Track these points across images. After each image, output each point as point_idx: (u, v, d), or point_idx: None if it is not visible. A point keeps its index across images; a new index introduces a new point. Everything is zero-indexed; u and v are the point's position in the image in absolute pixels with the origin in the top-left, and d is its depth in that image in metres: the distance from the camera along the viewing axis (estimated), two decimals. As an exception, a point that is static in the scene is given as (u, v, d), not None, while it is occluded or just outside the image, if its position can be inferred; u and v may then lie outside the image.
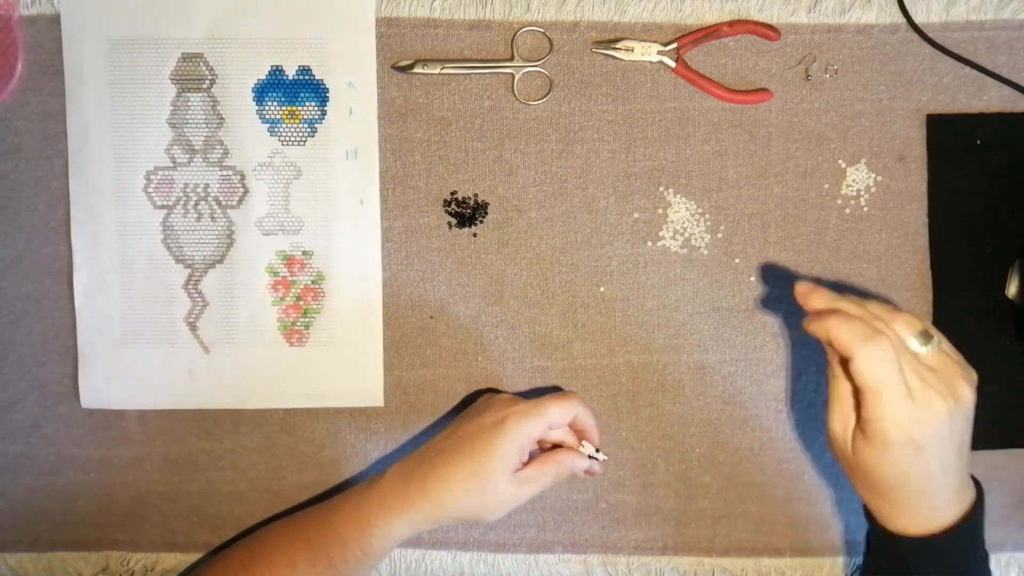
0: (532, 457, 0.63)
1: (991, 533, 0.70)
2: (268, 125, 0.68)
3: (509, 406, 0.61)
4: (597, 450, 0.64)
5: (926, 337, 0.55)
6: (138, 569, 0.71)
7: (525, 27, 0.68)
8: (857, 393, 0.55)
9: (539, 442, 0.64)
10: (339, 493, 0.64)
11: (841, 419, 0.56)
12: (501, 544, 0.70)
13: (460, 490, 0.59)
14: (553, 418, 0.61)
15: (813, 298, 0.57)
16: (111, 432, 0.70)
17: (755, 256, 0.69)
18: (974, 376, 0.56)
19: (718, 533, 0.70)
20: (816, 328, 0.55)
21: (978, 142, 0.68)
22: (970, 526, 0.57)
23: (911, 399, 0.53)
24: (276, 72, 0.68)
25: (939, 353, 0.56)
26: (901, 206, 0.69)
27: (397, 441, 0.70)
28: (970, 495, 0.58)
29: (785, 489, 0.70)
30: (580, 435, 0.64)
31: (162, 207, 0.69)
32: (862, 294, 0.69)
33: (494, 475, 0.59)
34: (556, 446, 0.64)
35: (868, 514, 0.59)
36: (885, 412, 0.53)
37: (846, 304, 0.56)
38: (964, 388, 0.55)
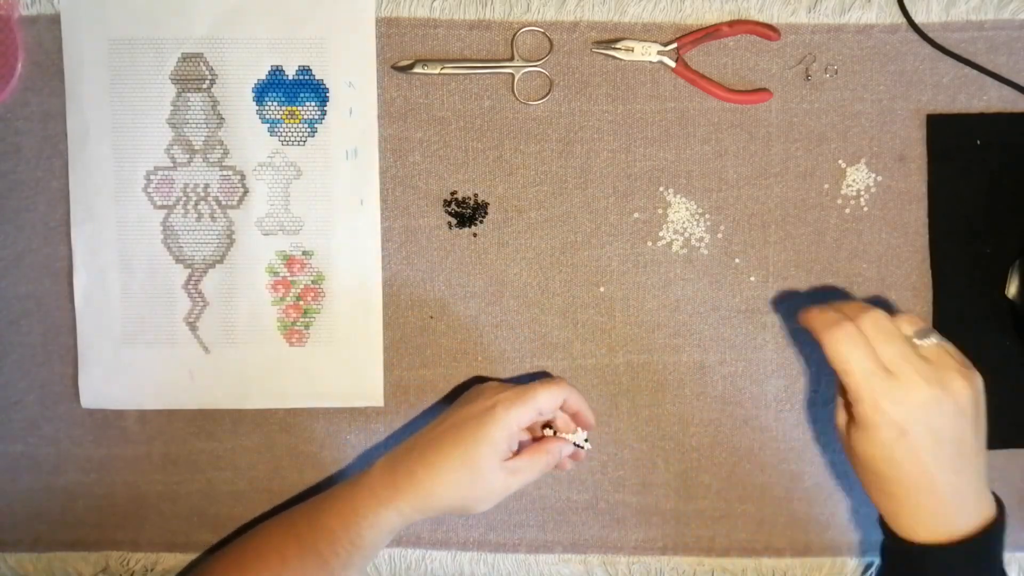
0: (522, 447, 0.63)
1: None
2: (268, 125, 0.68)
3: (498, 393, 0.61)
4: (586, 440, 0.64)
5: (926, 333, 0.57)
6: (138, 569, 0.71)
7: (525, 27, 0.68)
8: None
9: (529, 429, 0.64)
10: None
11: (841, 412, 0.59)
12: (501, 544, 0.70)
13: (449, 480, 0.59)
14: (542, 403, 0.60)
15: (811, 310, 0.59)
16: (111, 432, 0.70)
17: (755, 256, 0.69)
18: (976, 378, 0.56)
19: (718, 533, 0.70)
20: (800, 319, 0.59)
21: (978, 142, 0.68)
22: (984, 542, 0.56)
23: (888, 379, 0.54)
24: (276, 72, 0.68)
25: (938, 348, 0.57)
26: (901, 206, 0.69)
27: (397, 441, 0.70)
28: (987, 511, 0.57)
29: (785, 489, 0.70)
30: (573, 418, 0.64)
31: (162, 207, 0.69)
32: (863, 296, 0.69)
33: (483, 464, 0.58)
34: (547, 425, 0.64)
35: (882, 523, 0.59)
36: (859, 392, 0.55)
37: (840, 304, 0.59)
38: (957, 382, 0.55)
